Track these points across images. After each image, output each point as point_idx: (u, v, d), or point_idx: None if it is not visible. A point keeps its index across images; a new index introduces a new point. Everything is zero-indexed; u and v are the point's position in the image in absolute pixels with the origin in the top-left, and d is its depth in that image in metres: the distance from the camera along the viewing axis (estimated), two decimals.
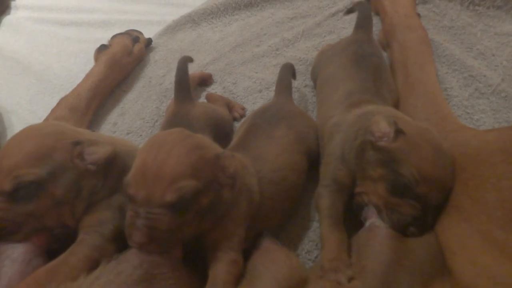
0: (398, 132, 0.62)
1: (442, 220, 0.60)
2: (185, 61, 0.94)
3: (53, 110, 1.02)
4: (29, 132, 0.66)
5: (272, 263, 0.59)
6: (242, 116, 1.03)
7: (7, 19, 1.59)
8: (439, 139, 0.64)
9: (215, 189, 0.58)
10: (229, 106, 1.04)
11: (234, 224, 0.62)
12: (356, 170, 0.67)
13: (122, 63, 1.20)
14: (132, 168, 0.56)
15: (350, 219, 0.68)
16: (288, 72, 0.98)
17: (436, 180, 0.60)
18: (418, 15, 1.14)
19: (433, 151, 0.61)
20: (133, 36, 1.28)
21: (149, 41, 1.33)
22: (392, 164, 0.61)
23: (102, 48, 1.22)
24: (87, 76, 1.13)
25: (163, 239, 0.54)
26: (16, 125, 1.14)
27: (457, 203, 0.59)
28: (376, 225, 0.62)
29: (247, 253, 0.63)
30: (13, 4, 1.66)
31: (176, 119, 0.86)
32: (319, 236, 0.68)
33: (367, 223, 0.63)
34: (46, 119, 1.00)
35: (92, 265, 0.57)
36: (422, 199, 0.60)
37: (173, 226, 0.54)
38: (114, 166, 0.67)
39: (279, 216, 0.73)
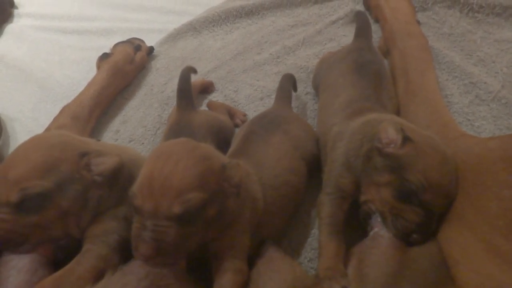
0: (406, 138, 0.62)
1: (444, 228, 0.61)
2: (189, 70, 0.95)
3: (55, 118, 1.02)
4: (36, 142, 0.66)
5: (276, 272, 0.59)
6: (244, 122, 1.03)
7: (9, 27, 1.60)
8: (444, 146, 0.64)
9: (221, 199, 0.58)
10: (230, 113, 1.05)
11: (238, 233, 0.62)
12: (362, 177, 0.67)
13: (124, 71, 1.21)
14: (138, 179, 0.56)
15: (354, 228, 0.69)
16: (289, 81, 0.99)
17: (442, 187, 0.61)
18: (418, 22, 1.14)
19: (439, 158, 0.62)
20: (135, 44, 1.29)
21: (151, 49, 1.34)
22: (399, 170, 0.62)
23: (104, 56, 1.22)
24: (90, 84, 1.13)
25: (169, 251, 0.54)
26: (19, 133, 1.14)
27: (459, 212, 0.60)
28: (380, 234, 0.62)
29: (250, 260, 0.63)
30: (15, 12, 1.67)
31: (179, 127, 0.86)
32: None
33: (372, 233, 0.64)
34: (49, 127, 1.00)
35: (97, 275, 0.57)
36: (427, 206, 0.60)
37: (179, 238, 0.53)
38: (120, 177, 0.67)
39: (281, 222, 0.74)
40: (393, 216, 0.62)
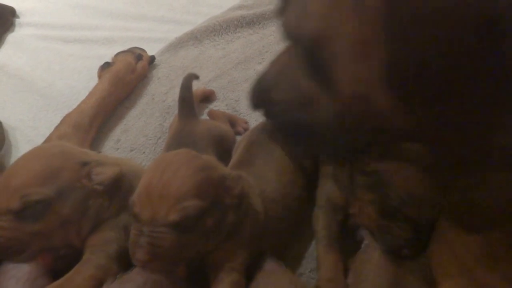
0: None
1: (431, 249, 0.59)
2: (190, 78, 0.95)
3: (56, 128, 1.02)
4: (37, 152, 0.68)
5: (276, 286, 0.58)
6: (246, 129, 1.03)
7: (10, 36, 1.60)
8: None
9: (220, 210, 0.58)
10: (232, 121, 1.05)
11: (238, 245, 0.62)
12: (348, 192, 0.67)
13: (125, 80, 1.20)
14: (138, 187, 0.57)
15: (349, 239, 0.68)
16: None
17: (424, 200, 0.59)
18: None
19: (417, 170, 0.59)
20: (136, 54, 1.29)
21: (152, 59, 1.34)
22: (380, 187, 0.60)
23: (105, 66, 1.22)
24: (91, 93, 1.13)
25: (166, 257, 0.54)
26: (20, 142, 1.14)
27: (445, 236, 0.57)
28: (370, 247, 0.62)
29: (250, 273, 0.63)
30: (17, 21, 1.67)
31: (180, 136, 0.86)
32: None
33: (363, 245, 0.63)
34: (50, 137, 0.99)
35: (97, 284, 0.58)
36: (413, 220, 0.59)
37: (176, 245, 0.54)
38: (120, 187, 0.68)
39: (282, 235, 0.73)
40: (381, 233, 0.61)
